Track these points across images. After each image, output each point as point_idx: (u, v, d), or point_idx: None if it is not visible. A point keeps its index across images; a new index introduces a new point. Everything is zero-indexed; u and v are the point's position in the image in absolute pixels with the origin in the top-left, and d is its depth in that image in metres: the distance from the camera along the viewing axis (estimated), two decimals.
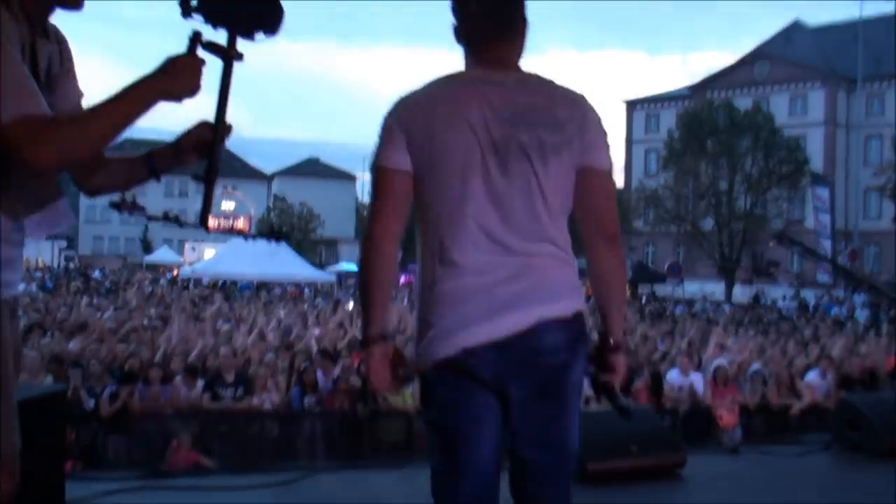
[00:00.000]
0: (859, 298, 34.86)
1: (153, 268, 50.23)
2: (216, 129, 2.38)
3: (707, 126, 50.74)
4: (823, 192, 52.03)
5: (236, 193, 57.44)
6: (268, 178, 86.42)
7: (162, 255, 57.73)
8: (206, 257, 39.76)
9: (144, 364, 10.99)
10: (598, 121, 2.63)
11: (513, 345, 2.47)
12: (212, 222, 2.48)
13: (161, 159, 2.47)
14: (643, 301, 38.97)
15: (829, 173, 58.00)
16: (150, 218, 2.46)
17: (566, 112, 2.56)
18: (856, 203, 55.41)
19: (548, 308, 2.50)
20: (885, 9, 56.98)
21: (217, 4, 2.27)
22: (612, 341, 2.71)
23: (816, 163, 55.91)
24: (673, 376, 12.11)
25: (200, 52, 2.25)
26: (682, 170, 51.72)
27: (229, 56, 2.33)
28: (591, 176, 2.59)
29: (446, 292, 2.51)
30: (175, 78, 2.18)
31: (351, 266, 50.28)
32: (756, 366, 13.00)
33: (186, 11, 2.25)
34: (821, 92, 61.92)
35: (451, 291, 2.50)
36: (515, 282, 2.49)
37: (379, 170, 2.56)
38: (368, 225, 2.58)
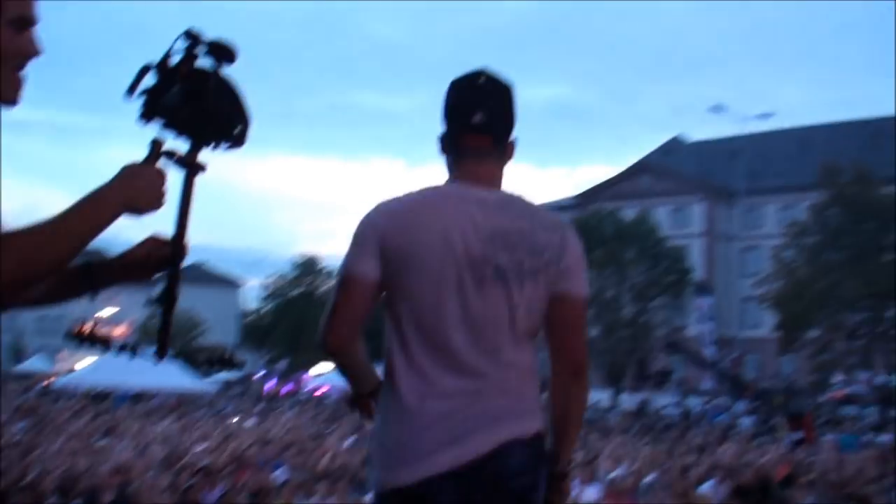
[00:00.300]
0: (741, 406, 35.48)
1: (25, 377, 47.88)
2: (175, 248, 2.10)
3: (594, 235, 51.83)
4: (705, 302, 53.51)
5: (117, 299, 55.81)
6: (150, 284, 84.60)
7: (34, 363, 55.27)
8: (80, 367, 38.10)
9: (13, 484, 10.30)
10: (578, 249, 2.60)
11: (475, 470, 2.38)
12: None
13: (101, 274, 2.13)
14: None
15: (710, 283, 59.74)
16: (109, 348, 2.13)
17: (546, 236, 2.51)
18: (736, 312, 56.92)
19: (511, 428, 2.45)
20: (762, 127, 59.60)
21: (181, 111, 2.00)
22: (560, 467, 2.63)
23: (698, 272, 57.56)
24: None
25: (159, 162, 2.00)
26: None
27: (193, 167, 2.07)
28: (566, 303, 2.55)
29: (409, 412, 2.43)
30: (139, 190, 1.89)
31: (233, 375, 49.03)
32: (652, 476, 12.95)
33: (147, 116, 1.99)
34: (702, 205, 64.17)
35: (414, 413, 2.42)
36: (479, 404, 2.43)
37: (344, 275, 2.51)
38: (324, 333, 2.52)
